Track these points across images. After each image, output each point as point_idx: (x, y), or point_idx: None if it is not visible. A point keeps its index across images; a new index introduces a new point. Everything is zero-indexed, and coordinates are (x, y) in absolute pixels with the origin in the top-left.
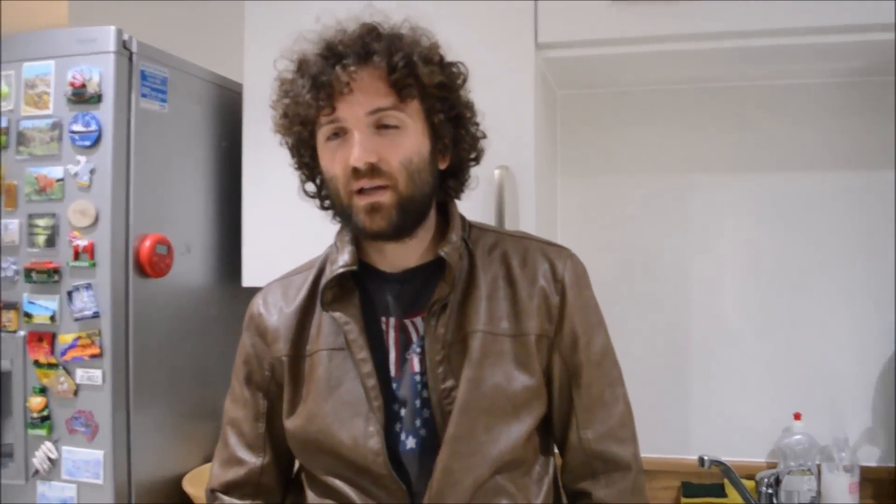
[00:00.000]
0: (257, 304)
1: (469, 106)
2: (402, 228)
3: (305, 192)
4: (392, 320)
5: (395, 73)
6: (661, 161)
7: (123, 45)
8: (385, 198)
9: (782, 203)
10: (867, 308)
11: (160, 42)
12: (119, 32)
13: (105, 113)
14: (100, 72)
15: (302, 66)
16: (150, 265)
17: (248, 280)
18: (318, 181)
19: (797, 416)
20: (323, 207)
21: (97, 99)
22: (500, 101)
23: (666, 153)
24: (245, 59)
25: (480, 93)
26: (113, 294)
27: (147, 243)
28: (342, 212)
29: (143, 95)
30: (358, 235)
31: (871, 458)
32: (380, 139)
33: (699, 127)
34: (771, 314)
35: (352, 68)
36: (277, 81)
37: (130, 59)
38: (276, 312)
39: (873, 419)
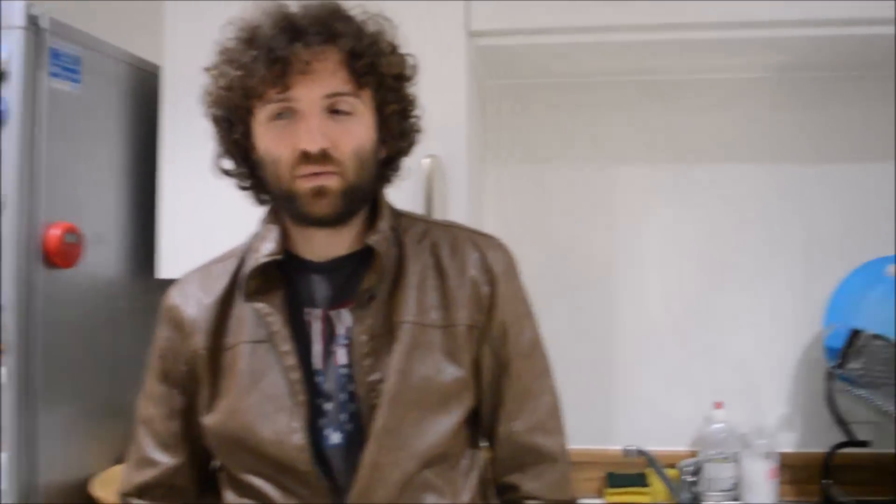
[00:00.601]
0: (173, 294)
1: (413, 99)
2: (343, 216)
3: (220, 169)
4: (317, 311)
5: (360, 60)
6: (589, 152)
7: (32, 21)
8: (332, 182)
9: (704, 194)
10: (784, 297)
11: (74, 19)
12: (27, 6)
13: (11, 92)
14: (6, 48)
15: (255, 35)
16: (59, 255)
17: (163, 272)
18: (240, 160)
19: (718, 405)
20: (242, 187)
21: (1, 77)
22: (431, 89)
23: (594, 144)
24: (165, 40)
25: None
26: (17, 286)
27: (55, 232)
28: (280, 195)
29: (54, 75)
30: (295, 220)
31: (788, 444)
32: (333, 124)
33: (626, 118)
34: (693, 304)
35: (316, 47)
36: (221, 48)
37: (40, 35)
38: (193, 303)
39: (790, 406)
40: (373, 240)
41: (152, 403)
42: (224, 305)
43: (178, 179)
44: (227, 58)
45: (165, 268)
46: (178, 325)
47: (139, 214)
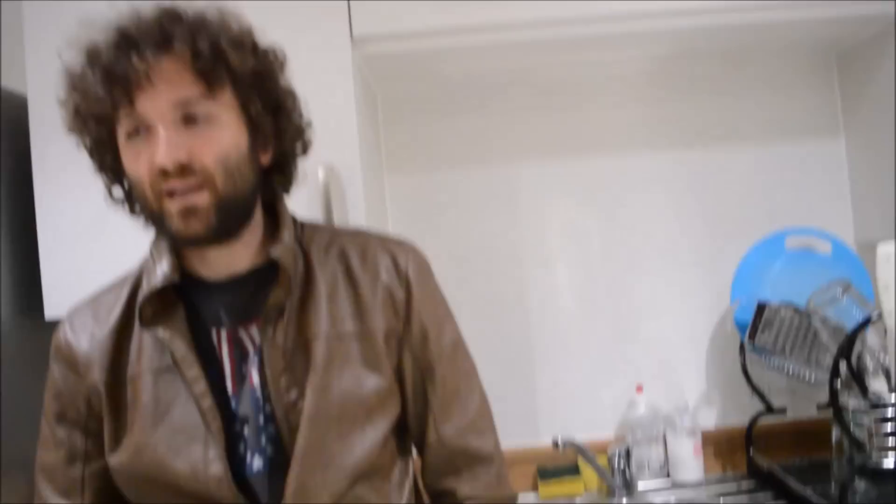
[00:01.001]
0: (64, 330)
1: (290, 94)
2: (222, 231)
3: (112, 198)
4: (224, 332)
5: (201, 60)
6: (487, 152)
7: None
8: (201, 199)
9: (607, 184)
10: (692, 277)
11: None
12: None
13: None
14: None
15: (92, 56)
16: None
17: (50, 311)
18: (125, 184)
19: (639, 389)
20: (133, 212)
21: None
22: (319, 98)
23: (491, 143)
24: (27, 66)
25: (299, 91)
26: None
27: None
28: (153, 217)
29: None
30: (174, 243)
31: (710, 419)
32: (189, 134)
33: (521, 116)
34: (605, 292)
35: (149, 55)
36: (65, 75)
37: None
38: (86, 338)
39: (709, 383)
40: (277, 252)
41: (50, 450)
42: (120, 336)
43: (55, 212)
44: (72, 83)
45: (52, 307)
46: (72, 362)
47: (21, 250)
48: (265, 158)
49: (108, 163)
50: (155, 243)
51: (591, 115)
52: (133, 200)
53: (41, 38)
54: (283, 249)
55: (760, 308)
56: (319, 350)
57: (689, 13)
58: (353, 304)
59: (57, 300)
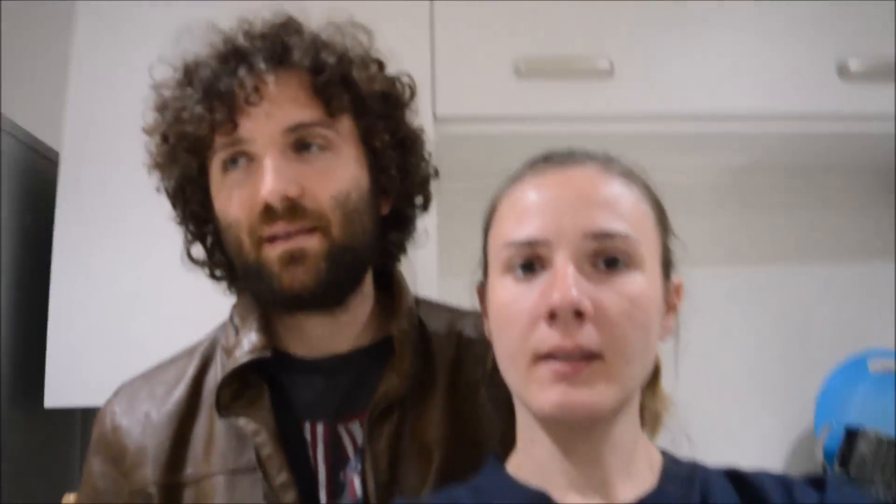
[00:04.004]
0: (111, 412)
1: (418, 132)
2: (332, 288)
3: (192, 260)
4: (319, 427)
5: (322, 76)
6: None
7: None
8: (311, 243)
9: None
10: (769, 400)
11: None
12: None
13: None
14: None
15: (190, 70)
16: None
17: (51, 399)
18: (209, 240)
19: None
20: (213, 276)
21: None
22: None
23: None
24: (65, 120)
25: None
26: None
27: None
28: (246, 271)
29: None
30: (270, 305)
31: None
32: (302, 166)
33: None
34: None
35: (262, 68)
36: (155, 93)
37: None
38: (139, 422)
39: None
40: (398, 328)
41: None
42: (182, 423)
43: (75, 286)
44: (163, 104)
45: (53, 394)
46: (119, 454)
47: (23, 326)
48: (385, 208)
49: (194, 209)
50: (238, 308)
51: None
52: (216, 260)
53: (84, 92)
54: (405, 325)
55: (851, 435)
56: (440, 460)
57: (767, 118)
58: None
59: (59, 387)
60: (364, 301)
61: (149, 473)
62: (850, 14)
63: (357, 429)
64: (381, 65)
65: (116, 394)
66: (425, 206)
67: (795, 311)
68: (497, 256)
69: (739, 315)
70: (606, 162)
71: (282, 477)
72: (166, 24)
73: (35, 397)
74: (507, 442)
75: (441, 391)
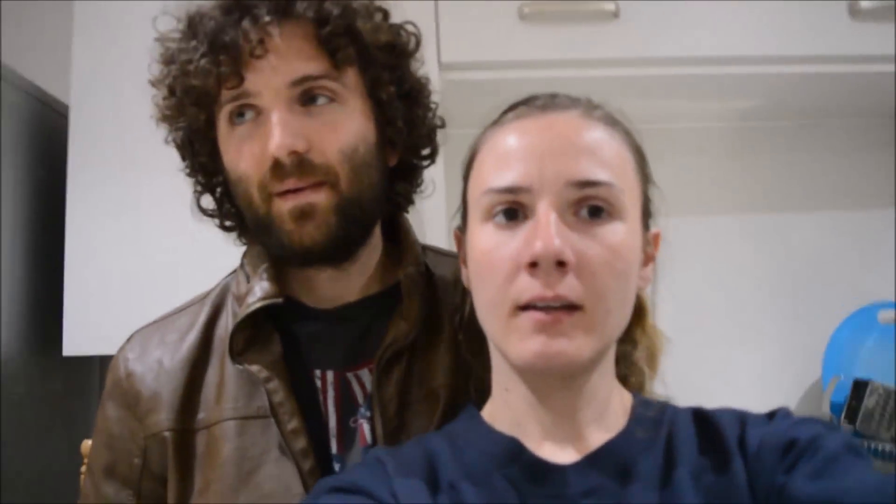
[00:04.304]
0: (124, 358)
1: (423, 83)
2: (342, 243)
3: (202, 210)
4: (329, 374)
5: (327, 27)
6: None
7: None
8: (320, 197)
9: (683, 243)
10: (776, 348)
11: None
12: None
13: None
14: None
15: (195, 23)
16: None
17: (69, 348)
18: (218, 190)
19: None
20: (224, 227)
21: None
22: None
23: None
24: (73, 73)
25: None
26: None
27: None
28: (257, 224)
29: None
30: (280, 257)
31: None
32: (309, 119)
33: None
34: (676, 361)
35: (265, 21)
36: (161, 47)
37: None
38: (152, 369)
39: None
40: (405, 274)
41: None
42: (194, 369)
43: (89, 237)
44: (169, 57)
45: (71, 343)
46: (133, 400)
47: (40, 277)
48: (392, 159)
49: (203, 161)
50: (249, 257)
51: (667, 171)
52: (225, 211)
53: (91, 46)
54: (412, 273)
55: (859, 387)
56: (442, 406)
57: (776, 60)
58: None
59: (77, 336)
60: (373, 251)
61: (163, 419)
62: None
63: (366, 375)
64: (385, 14)
65: (129, 340)
66: (432, 157)
67: (803, 261)
68: (477, 203)
69: (746, 263)
70: (589, 107)
71: (293, 423)
72: None
73: (53, 346)
74: (486, 389)
75: (447, 337)
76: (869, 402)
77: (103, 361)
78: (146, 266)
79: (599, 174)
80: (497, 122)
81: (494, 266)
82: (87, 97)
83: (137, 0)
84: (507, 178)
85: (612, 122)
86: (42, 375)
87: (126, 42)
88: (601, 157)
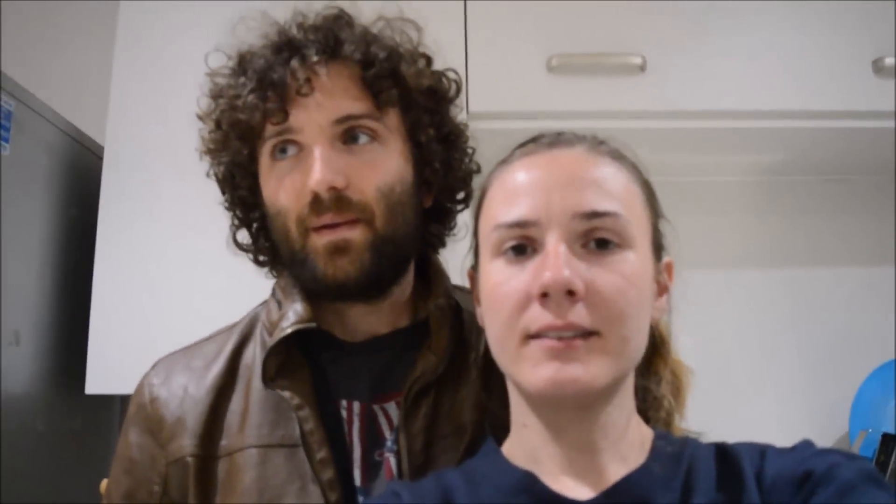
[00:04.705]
0: (149, 384)
1: (462, 129)
2: (375, 279)
3: (237, 245)
4: (356, 405)
5: (373, 69)
6: None
7: None
8: (355, 234)
9: (706, 297)
10: (802, 402)
11: (9, 68)
12: None
13: None
14: None
15: (245, 60)
16: None
17: (92, 386)
18: (255, 226)
19: None
20: (258, 262)
21: None
22: None
23: None
24: (109, 114)
25: None
26: None
27: None
28: (292, 258)
29: None
30: (313, 292)
31: None
32: (350, 157)
33: None
34: (701, 416)
35: (314, 60)
36: (211, 82)
37: None
38: (177, 395)
39: None
40: (435, 305)
41: None
42: (219, 396)
43: (117, 276)
44: (218, 91)
45: (94, 381)
46: (157, 426)
47: (66, 314)
48: (427, 200)
49: (243, 194)
50: (280, 285)
51: (687, 224)
52: (261, 246)
53: (129, 86)
54: (442, 305)
55: (887, 440)
56: (467, 442)
57: (801, 116)
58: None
59: (100, 374)
60: (405, 288)
61: (187, 444)
62: (887, 11)
63: (393, 409)
64: (429, 60)
65: (154, 367)
66: (466, 201)
67: (830, 315)
68: (487, 239)
69: (773, 318)
70: (595, 143)
71: (322, 453)
72: (205, 19)
73: (77, 384)
74: (505, 427)
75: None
76: None
77: (124, 401)
78: (170, 307)
79: (606, 205)
80: (505, 161)
81: (505, 299)
82: (122, 138)
83: (177, 41)
84: (515, 212)
85: (618, 156)
86: (63, 413)
87: (163, 84)
88: (608, 189)
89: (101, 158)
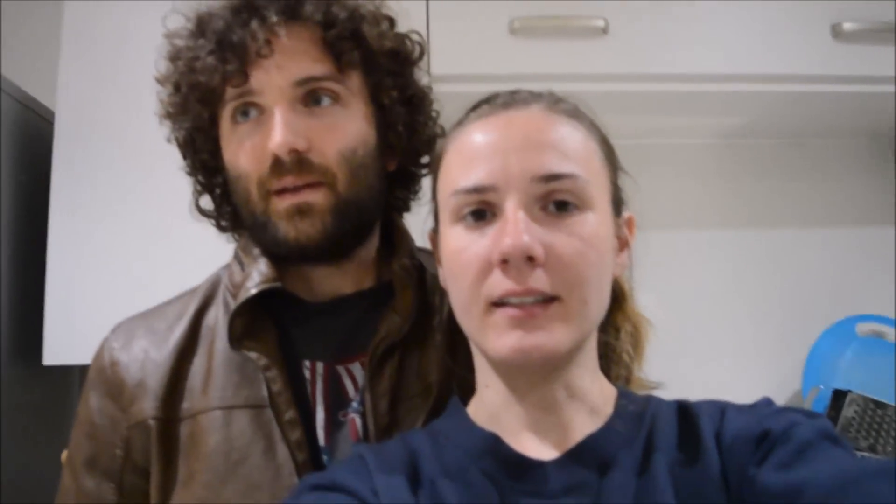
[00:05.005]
0: (109, 347)
1: (425, 91)
2: (336, 242)
3: (200, 210)
4: (319, 366)
5: (334, 30)
6: None
7: None
8: (317, 197)
9: (666, 259)
10: (758, 360)
11: None
12: None
13: None
14: None
15: (203, 21)
16: None
17: (50, 357)
18: (217, 190)
19: None
20: (220, 227)
21: None
22: None
23: None
24: (59, 79)
25: None
26: None
27: None
28: (253, 222)
29: None
30: (276, 255)
31: None
32: (311, 120)
33: None
34: (660, 373)
35: (274, 20)
36: (169, 44)
37: None
38: (138, 358)
39: None
40: (399, 265)
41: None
42: (182, 357)
43: (72, 245)
44: (176, 54)
45: (52, 352)
46: (116, 389)
47: (20, 285)
48: (391, 164)
49: (204, 158)
50: (244, 248)
51: (650, 186)
52: (223, 212)
53: (78, 52)
54: (405, 265)
55: (838, 397)
56: (432, 402)
57: (761, 79)
58: None
59: (58, 345)
60: (369, 249)
61: (147, 407)
62: None
63: (358, 369)
64: (391, 21)
65: (115, 330)
66: (431, 165)
67: (788, 276)
68: (446, 204)
69: (732, 277)
70: (551, 101)
71: (290, 413)
72: None
73: (34, 355)
74: (470, 388)
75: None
76: (847, 412)
77: (83, 371)
78: (128, 275)
79: (564, 167)
80: (461, 123)
81: (466, 265)
82: (73, 103)
83: (127, 6)
84: (472, 177)
85: (574, 113)
86: (20, 385)
87: (113, 49)
88: (565, 149)
89: (51, 124)
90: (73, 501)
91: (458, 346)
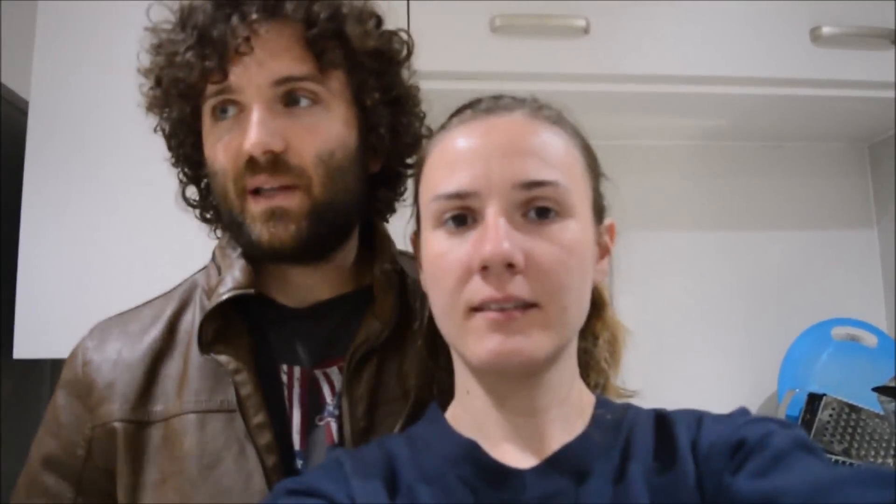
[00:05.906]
0: (83, 348)
1: (412, 91)
2: (312, 246)
3: (185, 201)
4: (297, 370)
5: (315, 29)
6: None
7: None
8: (292, 202)
9: (643, 259)
10: (733, 361)
11: None
12: None
13: None
14: None
15: (185, 15)
16: None
17: (20, 350)
18: (203, 182)
19: None
20: (204, 219)
21: None
22: None
23: None
24: (33, 69)
25: None
26: None
27: None
28: (230, 221)
29: None
30: (252, 255)
31: None
32: (289, 120)
33: None
34: (635, 374)
35: (254, 17)
36: (152, 38)
37: None
38: (110, 359)
39: None
40: (380, 271)
41: (28, 500)
42: (155, 360)
43: (45, 237)
44: (158, 48)
45: (23, 346)
46: (86, 389)
47: None
48: (374, 166)
49: (187, 151)
50: (221, 250)
51: (629, 187)
52: (207, 204)
53: (53, 41)
54: (386, 271)
55: (813, 400)
56: (409, 408)
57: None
58: None
59: (29, 339)
60: (349, 252)
61: (115, 409)
62: None
63: (336, 374)
64: (378, 20)
65: (91, 331)
66: (413, 168)
67: (764, 278)
68: (427, 209)
69: (709, 279)
70: (534, 107)
71: (259, 418)
72: None
73: (4, 349)
74: (450, 392)
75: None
76: (823, 415)
77: (55, 365)
78: (101, 269)
79: (546, 174)
80: (444, 127)
81: (446, 271)
82: (47, 93)
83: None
84: (454, 183)
85: (557, 120)
86: None
87: (88, 39)
88: (547, 156)
89: (25, 113)
90: (29, 499)
91: (439, 350)
